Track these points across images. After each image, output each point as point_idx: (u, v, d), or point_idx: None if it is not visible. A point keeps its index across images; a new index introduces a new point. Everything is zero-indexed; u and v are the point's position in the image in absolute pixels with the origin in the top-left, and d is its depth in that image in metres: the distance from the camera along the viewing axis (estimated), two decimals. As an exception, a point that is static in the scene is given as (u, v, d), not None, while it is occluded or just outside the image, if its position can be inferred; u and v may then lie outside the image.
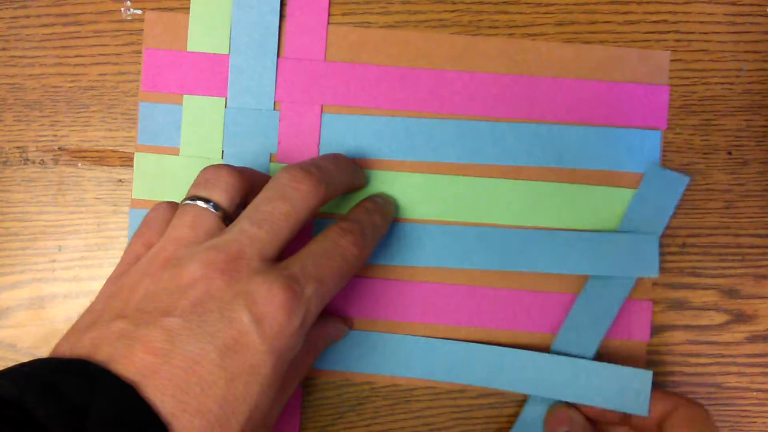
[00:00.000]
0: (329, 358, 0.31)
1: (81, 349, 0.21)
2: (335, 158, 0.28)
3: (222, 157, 0.31)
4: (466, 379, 0.30)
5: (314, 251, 0.24)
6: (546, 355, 0.30)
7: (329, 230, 0.26)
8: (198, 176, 0.25)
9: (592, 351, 0.30)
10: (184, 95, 0.31)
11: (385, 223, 0.29)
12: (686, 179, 0.31)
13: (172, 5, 0.32)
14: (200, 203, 0.24)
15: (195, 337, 0.21)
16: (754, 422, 0.32)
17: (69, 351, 0.21)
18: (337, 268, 0.25)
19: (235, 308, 0.22)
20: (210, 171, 0.25)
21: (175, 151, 0.31)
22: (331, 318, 0.31)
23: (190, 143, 0.31)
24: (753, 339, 0.32)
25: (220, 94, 0.31)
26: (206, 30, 0.31)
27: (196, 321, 0.22)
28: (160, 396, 0.20)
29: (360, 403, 0.32)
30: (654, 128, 0.31)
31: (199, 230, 0.24)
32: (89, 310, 0.23)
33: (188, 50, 0.31)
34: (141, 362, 0.21)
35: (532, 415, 0.31)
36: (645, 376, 0.29)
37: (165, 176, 0.31)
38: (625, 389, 0.29)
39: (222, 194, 0.25)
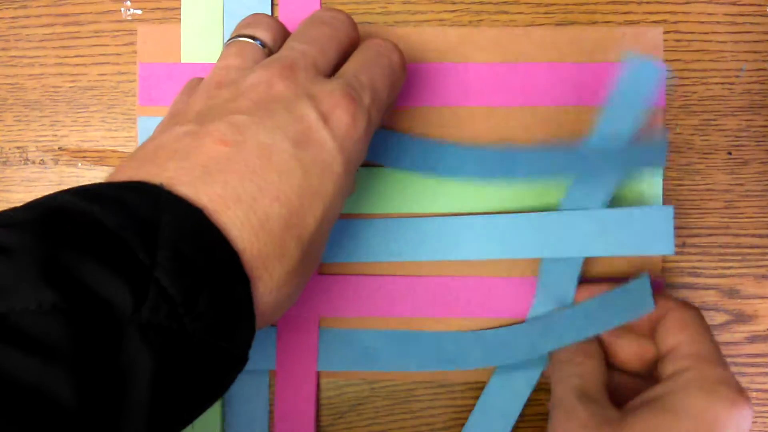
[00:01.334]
0: (329, 359, 0.31)
1: (141, 168, 0.20)
2: None
3: None
4: (478, 362, 0.30)
5: (361, 62, 0.24)
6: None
7: (367, 43, 0.26)
8: (239, 23, 0.26)
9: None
10: None
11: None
12: (663, 67, 0.31)
13: (171, 5, 0.32)
14: (244, 39, 0.25)
15: (265, 129, 0.21)
16: (755, 422, 0.32)
17: (127, 175, 0.20)
18: (387, 76, 0.24)
19: (301, 106, 0.22)
20: (250, 16, 0.26)
21: None
22: None
23: None
24: (753, 339, 0.32)
25: None
26: (199, 40, 0.31)
27: (264, 115, 0.21)
28: (238, 184, 0.20)
29: (360, 403, 0.32)
30: (652, 107, 0.31)
31: (247, 58, 0.24)
32: (143, 145, 0.22)
33: (182, 61, 0.31)
34: (212, 154, 0.20)
35: (498, 384, 0.30)
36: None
37: None
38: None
39: (264, 32, 0.25)
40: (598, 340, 0.29)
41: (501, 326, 0.31)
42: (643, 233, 0.29)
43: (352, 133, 0.22)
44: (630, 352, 0.29)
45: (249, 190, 0.20)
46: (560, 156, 0.30)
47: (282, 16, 0.32)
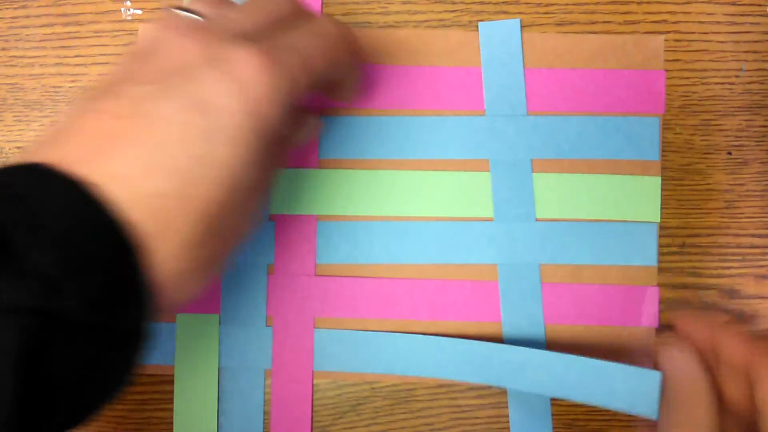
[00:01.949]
0: (327, 359, 0.31)
1: (39, 151, 0.20)
2: None
3: None
4: (467, 377, 0.30)
5: (296, 31, 0.23)
6: (551, 353, 0.30)
7: (310, 15, 0.24)
8: None
9: (541, 334, 0.31)
10: None
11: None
12: (517, 21, 0.31)
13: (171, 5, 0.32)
14: (177, 11, 0.23)
15: (164, 98, 0.20)
16: (754, 422, 0.32)
17: (24, 158, 0.20)
18: (321, 44, 0.23)
19: (209, 70, 0.20)
20: None
21: None
22: (302, 111, 0.29)
23: None
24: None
25: None
26: None
27: (167, 84, 0.20)
28: (128, 158, 0.19)
29: (360, 403, 0.32)
30: (652, 113, 0.31)
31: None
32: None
33: None
34: (104, 128, 0.19)
35: (519, 412, 0.31)
36: (653, 378, 0.27)
37: None
38: (633, 390, 0.28)
39: (203, 5, 0.23)
40: (711, 383, 0.27)
41: (501, 330, 0.31)
42: (629, 245, 0.31)
43: (270, 95, 0.21)
44: (739, 395, 0.27)
45: (139, 163, 0.19)
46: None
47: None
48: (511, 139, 0.31)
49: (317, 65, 0.23)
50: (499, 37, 0.31)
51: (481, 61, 0.31)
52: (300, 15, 0.24)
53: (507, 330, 0.31)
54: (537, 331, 0.31)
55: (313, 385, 0.31)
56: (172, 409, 0.31)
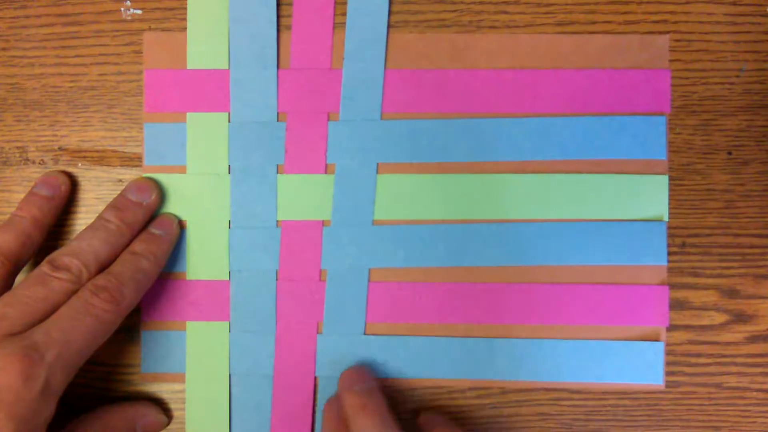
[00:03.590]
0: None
1: None
2: (104, 234, 0.28)
3: (229, 172, 0.31)
4: (487, 375, 0.31)
5: (63, 315, 0.25)
6: (558, 341, 0.31)
7: (83, 289, 0.26)
8: None
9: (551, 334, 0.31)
10: (188, 113, 0.31)
11: (156, 263, 0.29)
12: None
13: (171, 5, 0.32)
14: None
15: None
16: (755, 422, 0.32)
17: None
18: (86, 329, 0.25)
19: None
20: None
21: (182, 170, 0.31)
22: (143, 404, 0.31)
23: (196, 160, 0.31)
24: (753, 339, 0.32)
25: (223, 109, 0.31)
26: (205, 46, 0.31)
27: None
28: None
29: (360, 403, 0.32)
30: (658, 113, 0.31)
31: None
32: None
33: (188, 68, 0.31)
34: None
35: None
36: (656, 348, 0.31)
37: (174, 195, 0.31)
38: (639, 363, 0.31)
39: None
40: None
41: (506, 335, 0.31)
42: (637, 245, 0.31)
43: (24, 396, 0.23)
44: None
45: None
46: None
47: (296, 21, 0.32)
48: (517, 140, 0.31)
49: (80, 350, 0.25)
50: None
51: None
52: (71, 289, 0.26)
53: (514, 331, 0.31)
54: (545, 331, 0.31)
55: (315, 391, 0.31)
56: (183, 408, 0.31)
